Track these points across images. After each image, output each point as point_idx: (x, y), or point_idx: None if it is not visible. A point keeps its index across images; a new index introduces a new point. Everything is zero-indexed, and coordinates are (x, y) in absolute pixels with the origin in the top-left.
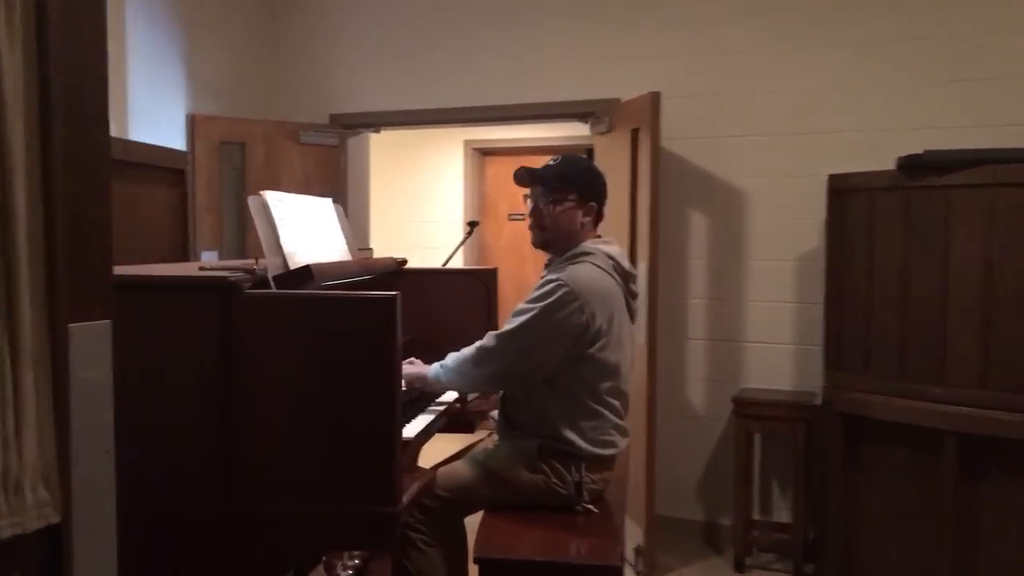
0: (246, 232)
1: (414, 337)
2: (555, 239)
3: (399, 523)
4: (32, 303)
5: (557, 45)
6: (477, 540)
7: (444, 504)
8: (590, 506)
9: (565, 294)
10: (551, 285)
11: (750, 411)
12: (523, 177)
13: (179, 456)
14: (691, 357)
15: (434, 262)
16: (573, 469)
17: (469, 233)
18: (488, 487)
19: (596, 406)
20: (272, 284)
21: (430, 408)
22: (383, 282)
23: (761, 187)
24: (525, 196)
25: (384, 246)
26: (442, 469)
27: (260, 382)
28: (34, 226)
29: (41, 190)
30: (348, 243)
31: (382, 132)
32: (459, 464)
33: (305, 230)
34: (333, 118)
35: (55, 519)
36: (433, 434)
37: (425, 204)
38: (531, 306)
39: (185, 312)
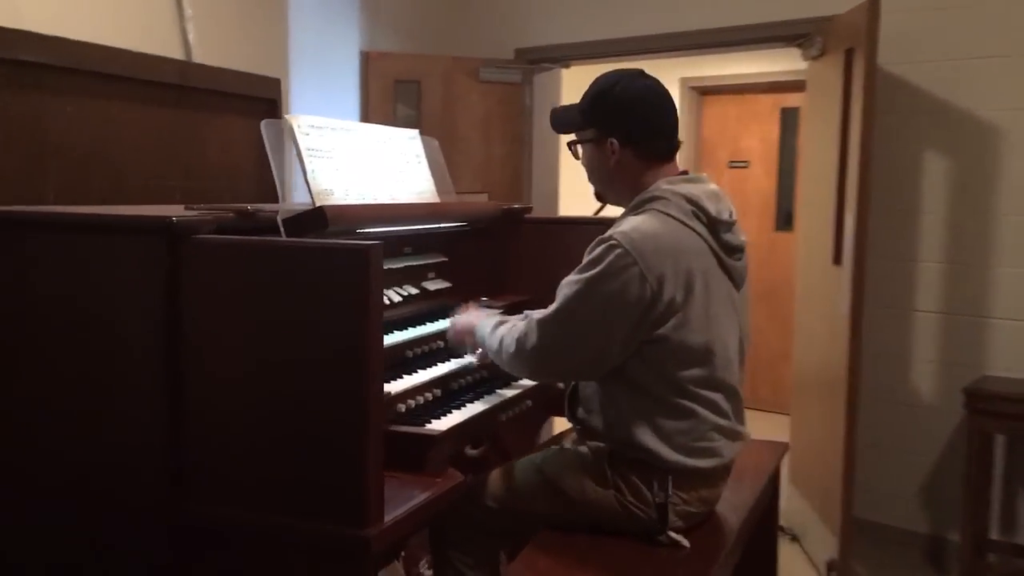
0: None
1: (532, 298)
2: (603, 189)
3: (370, 552)
4: None
5: None
6: None
7: (489, 517)
8: (679, 537)
9: (618, 257)
10: (600, 248)
11: (989, 406)
12: (552, 123)
13: (114, 445)
14: (918, 334)
15: None
16: (656, 485)
17: None
18: (544, 499)
19: (684, 401)
20: (281, 230)
21: (501, 390)
22: (494, 233)
23: (1020, 121)
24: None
25: (578, 196)
26: (496, 472)
27: (213, 352)
28: None
29: None
30: (442, 185)
31: (577, 68)
32: (515, 466)
33: (356, 166)
34: (519, 53)
35: None
36: (494, 424)
37: None
38: (576, 278)
39: (122, 261)
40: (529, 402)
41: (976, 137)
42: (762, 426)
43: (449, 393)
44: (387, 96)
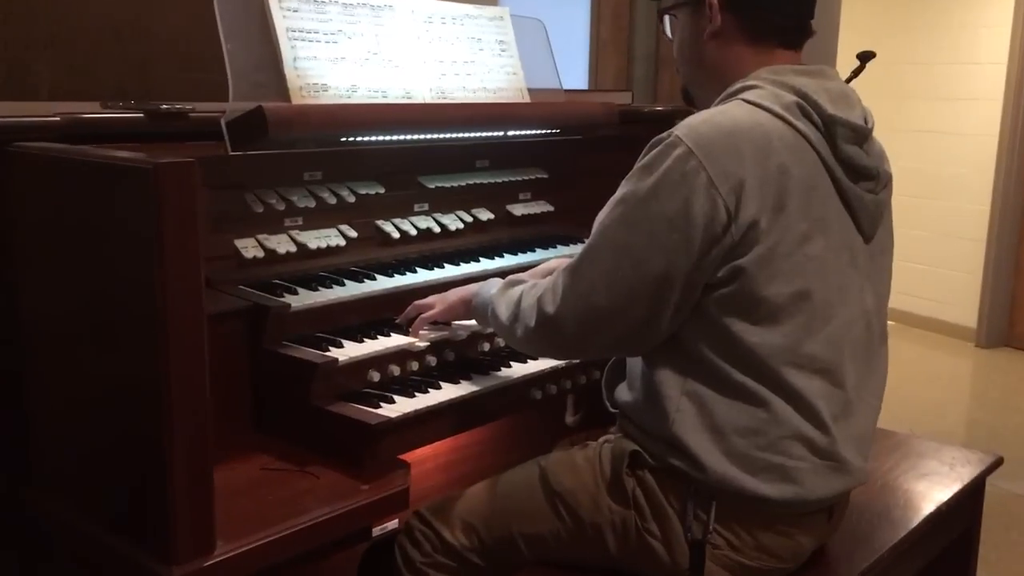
0: (659, 73)
1: None
2: (690, 76)
3: None
4: None
5: None
6: None
7: (477, 542)
8: None
9: (677, 161)
10: (655, 151)
11: None
12: None
13: None
14: None
15: (959, 118)
16: (691, 508)
17: (858, 70)
18: (545, 520)
19: (754, 384)
20: (226, 138)
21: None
22: (625, 143)
23: None
24: None
25: (881, 95)
26: (480, 484)
27: (37, 296)
28: None
29: None
30: (547, 77)
31: None
32: (510, 473)
33: (384, 55)
34: None
35: None
36: (510, 405)
37: (948, 39)
38: (619, 196)
39: None
40: (597, 373)
41: None
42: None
43: (473, 358)
44: None
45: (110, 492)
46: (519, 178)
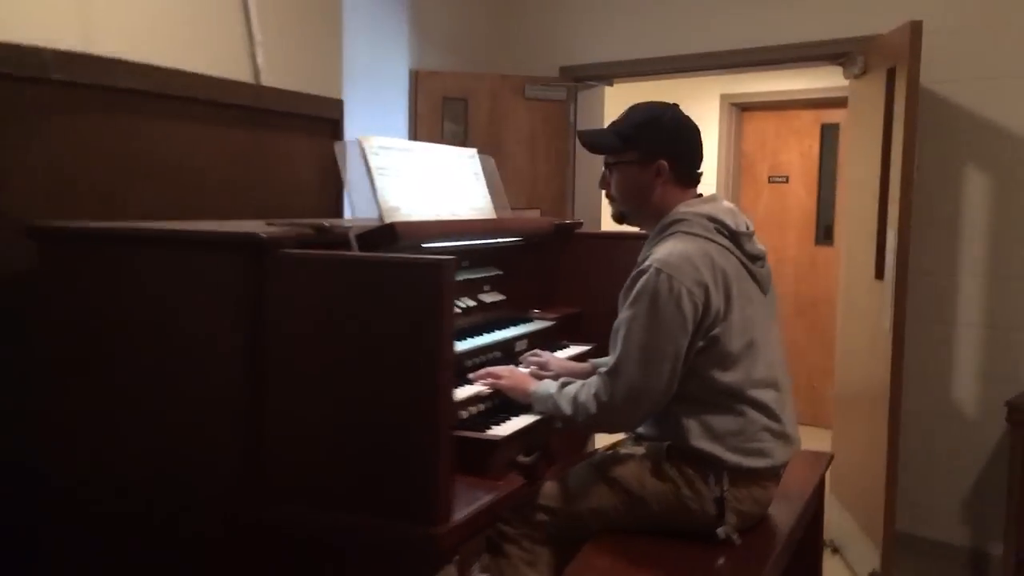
0: None
1: (581, 311)
2: (629, 211)
3: (439, 549)
4: None
5: None
6: None
7: (548, 518)
8: (733, 536)
9: (663, 281)
10: (644, 279)
11: None
12: (584, 143)
13: (190, 450)
14: (960, 347)
15: None
16: (712, 480)
17: None
18: (601, 494)
19: (732, 403)
20: (354, 245)
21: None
22: (546, 247)
23: None
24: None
25: None
26: (552, 479)
27: (294, 359)
28: None
29: None
30: (498, 201)
31: (619, 86)
32: (571, 471)
33: (420, 183)
34: (563, 71)
35: None
36: (550, 433)
37: None
38: (632, 313)
39: (213, 273)
40: None
41: (1016, 154)
42: (801, 439)
43: (506, 403)
44: (435, 113)
45: (369, 485)
46: (484, 275)
